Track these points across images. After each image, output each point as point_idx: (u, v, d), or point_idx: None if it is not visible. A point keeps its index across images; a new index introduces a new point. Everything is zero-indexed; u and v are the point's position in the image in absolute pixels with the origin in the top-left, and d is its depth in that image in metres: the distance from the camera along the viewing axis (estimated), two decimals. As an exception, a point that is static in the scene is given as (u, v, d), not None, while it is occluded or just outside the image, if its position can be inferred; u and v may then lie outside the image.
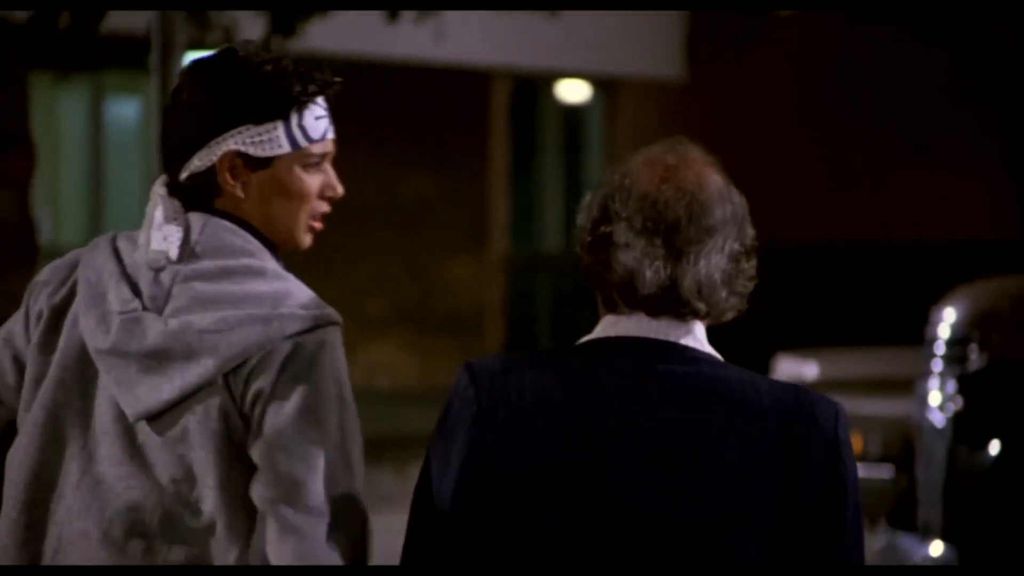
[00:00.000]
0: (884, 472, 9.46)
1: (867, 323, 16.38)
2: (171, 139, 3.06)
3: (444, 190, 18.00)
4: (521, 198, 18.80)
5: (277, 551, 2.92)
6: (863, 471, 9.01)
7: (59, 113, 18.02)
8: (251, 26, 13.90)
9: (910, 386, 7.88)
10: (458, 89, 17.64)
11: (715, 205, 2.78)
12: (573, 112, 19.40)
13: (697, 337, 2.80)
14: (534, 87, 18.81)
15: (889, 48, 18.82)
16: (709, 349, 2.82)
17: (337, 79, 3.07)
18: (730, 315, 2.82)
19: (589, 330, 2.88)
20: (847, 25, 16.16)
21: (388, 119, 18.05)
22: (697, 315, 2.79)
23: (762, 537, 2.75)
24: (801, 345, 12.13)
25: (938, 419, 7.46)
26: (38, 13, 12.69)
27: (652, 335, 2.79)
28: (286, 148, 3.02)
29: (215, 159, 3.02)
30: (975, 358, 7.54)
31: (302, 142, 3.03)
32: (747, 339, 18.08)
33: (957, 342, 7.59)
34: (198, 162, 3.03)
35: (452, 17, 14.11)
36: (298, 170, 3.03)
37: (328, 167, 3.08)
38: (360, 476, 2.98)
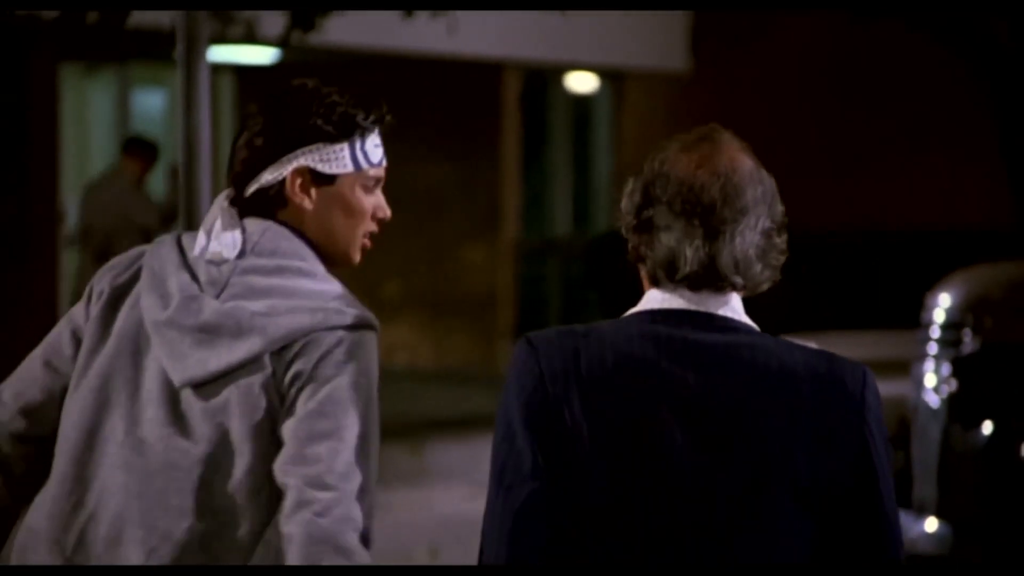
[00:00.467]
0: (881, 451, 9.48)
1: (866, 307, 16.38)
2: (243, 157, 3.25)
3: (457, 178, 18.02)
4: (532, 186, 18.80)
5: (290, 521, 3.03)
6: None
7: (88, 103, 18.02)
8: (272, 21, 13.91)
9: (907, 368, 7.88)
10: (471, 81, 17.64)
11: (747, 186, 2.92)
12: (581, 103, 19.40)
13: (734, 308, 2.93)
14: (544, 79, 18.80)
15: (887, 44, 18.81)
16: (746, 319, 2.95)
17: (389, 114, 3.34)
18: (765, 286, 2.96)
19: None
20: (847, 23, 16.15)
21: (404, 110, 17.95)
22: (735, 288, 2.92)
23: (796, 493, 2.82)
24: (803, 327, 12.15)
25: (933, 400, 7.48)
26: (66, 10, 12.71)
27: (694, 307, 2.91)
28: (350, 168, 3.24)
29: (287, 173, 3.21)
30: (969, 342, 7.55)
31: (363, 164, 3.26)
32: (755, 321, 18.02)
33: (951, 326, 7.59)
34: (268, 176, 3.23)
35: (465, 12, 14.10)
36: (358, 190, 3.25)
37: (379, 191, 3.30)
38: (375, 468, 3.09)
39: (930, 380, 7.45)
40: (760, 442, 2.83)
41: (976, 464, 7.20)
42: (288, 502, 3.03)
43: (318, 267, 3.21)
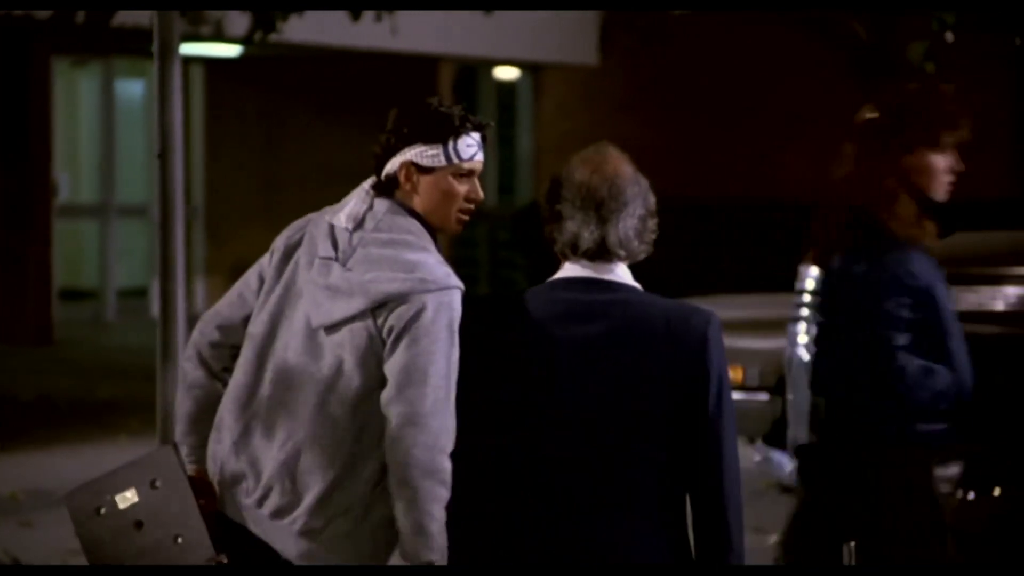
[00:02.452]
0: (761, 398, 9.51)
1: (753, 271, 16.42)
2: (378, 152, 3.77)
3: (400, 157, 17.92)
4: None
5: (391, 451, 3.58)
6: (744, 397, 9.05)
7: (77, 93, 17.86)
8: (238, 22, 13.82)
9: (784, 327, 7.90)
10: (410, 73, 17.57)
11: (627, 186, 3.46)
12: (506, 91, 19.37)
13: (618, 274, 3.45)
14: (474, 71, 18.76)
15: (771, 42, 18.85)
16: (630, 281, 3.46)
17: (490, 123, 3.80)
18: (642, 256, 3.48)
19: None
20: (736, 22, 16.21)
21: (353, 98, 17.97)
22: (620, 259, 3.45)
23: (654, 402, 3.34)
24: (698, 290, 12.16)
25: (804, 355, 7.50)
26: (59, 10, 12.60)
27: (588, 274, 3.44)
28: (443, 162, 3.69)
29: (398, 165, 3.72)
30: (835, 306, 7.57)
31: (455, 159, 3.69)
32: (652, 283, 18.01)
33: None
34: (389, 167, 3.74)
35: (405, 13, 14.05)
36: (451, 179, 3.70)
37: (475, 179, 3.75)
38: (452, 400, 3.56)
39: (802, 338, 7.48)
40: (626, 369, 3.34)
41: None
42: (389, 434, 3.57)
43: (423, 238, 3.66)
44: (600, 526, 3.29)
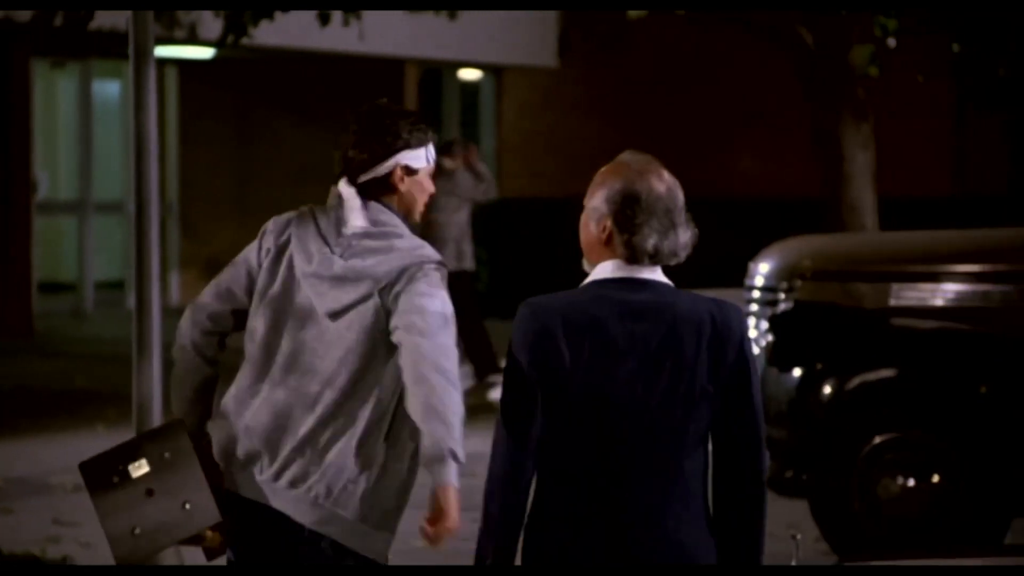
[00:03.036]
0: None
1: (705, 266, 16.48)
2: (358, 158, 4.07)
3: (367, 155, 17.91)
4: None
5: (405, 347, 3.91)
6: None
7: (56, 93, 17.79)
8: (210, 26, 13.79)
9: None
10: (377, 75, 17.57)
11: (681, 194, 3.67)
12: (470, 92, 19.38)
13: (659, 273, 3.60)
14: (439, 73, 18.76)
15: (722, 45, 18.90)
16: (666, 280, 3.61)
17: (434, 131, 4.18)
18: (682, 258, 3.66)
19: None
20: (690, 27, 16.26)
21: (321, 98, 17.95)
22: (679, 261, 3.63)
23: (701, 390, 3.52)
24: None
25: (754, 349, 7.54)
26: (39, 13, 12.55)
27: (641, 275, 3.59)
28: (423, 163, 4.12)
29: (393, 167, 4.07)
30: (783, 302, 7.61)
31: (430, 160, 4.13)
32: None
33: (769, 289, 7.65)
34: (381, 169, 4.06)
35: (372, 17, 14.04)
36: (425, 176, 4.13)
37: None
38: (453, 332, 3.94)
39: (752, 332, 7.52)
40: (680, 364, 3.52)
41: (789, 401, 7.29)
42: (403, 350, 3.92)
43: (405, 228, 4.05)
44: (663, 514, 3.52)
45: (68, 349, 14.69)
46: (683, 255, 3.61)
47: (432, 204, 14.39)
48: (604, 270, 3.58)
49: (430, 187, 4.12)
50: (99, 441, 10.52)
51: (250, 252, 4.10)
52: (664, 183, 3.63)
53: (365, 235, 4.01)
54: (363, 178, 4.05)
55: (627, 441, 3.51)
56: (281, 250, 4.05)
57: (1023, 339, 7.28)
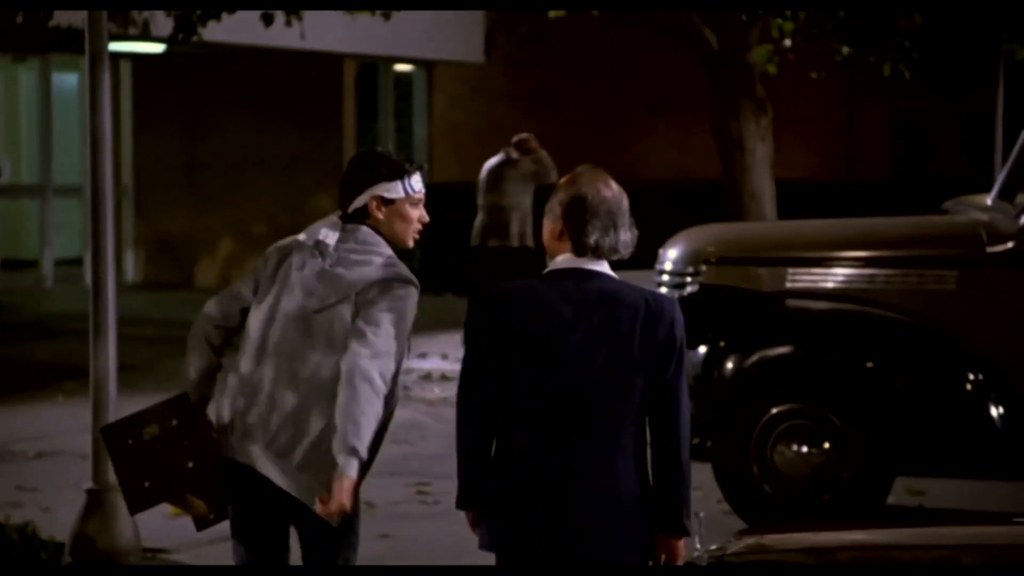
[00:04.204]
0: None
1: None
2: (344, 191, 4.41)
3: (308, 143, 17.86)
4: (365, 149, 18.63)
5: (344, 362, 4.24)
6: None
7: (17, 86, 17.58)
8: (162, 23, 13.65)
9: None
10: (318, 69, 17.48)
11: (625, 201, 3.98)
12: (403, 85, 19.31)
13: (606, 265, 3.91)
14: (375, 67, 18.67)
15: (635, 44, 18.94)
16: (610, 272, 3.91)
17: (424, 165, 4.51)
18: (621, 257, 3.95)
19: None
20: (605, 28, 16.27)
21: (266, 91, 17.85)
22: (621, 256, 3.93)
23: (638, 366, 3.85)
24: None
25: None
26: (1, 12, 12.38)
27: (589, 267, 3.90)
28: (401, 194, 4.39)
29: (368, 199, 4.38)
30: (689, 285, 7.64)
31: (409, 192, 4.39)
32: (532, 262, 18.07)
33: (677, 273, 7.67)
34: (359, 201, 4.39)
35: (312, 16, 13.96)
36: (407, 206, 4.40)
37: (421, 206, 4.45)
38: (402, 349, 4.31)
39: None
40: (618, 339, 3.83)
41: (695, 376, 7.30)
42: (346, 353, 4.26)
43: (387, 250, 4.38)
44: (598, 454, 3.83)
45: (29, 322, 14.53)
46: (625, 252, 3.91)
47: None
48: (557, 262, 3.92)
49: (417, 216, 4.41)
50: (58, 411, 10.45)
51: (258, 263, 4.51)
52: (610, 190, 3.93)
53: (351, 250, 4.37)
54: (349, 210, 4.40)
55: (574, 403, 3.83)
56: (282, 259, 4.44)
57: (904, 319, 7.34)
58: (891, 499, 7.50)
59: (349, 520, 4.32)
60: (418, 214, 4.41)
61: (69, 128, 16.88)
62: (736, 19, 13.02)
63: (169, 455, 4.41)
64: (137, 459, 4.44)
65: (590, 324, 3.84)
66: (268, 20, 12.23)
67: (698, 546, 3.53)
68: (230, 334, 4.49)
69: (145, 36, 14.20)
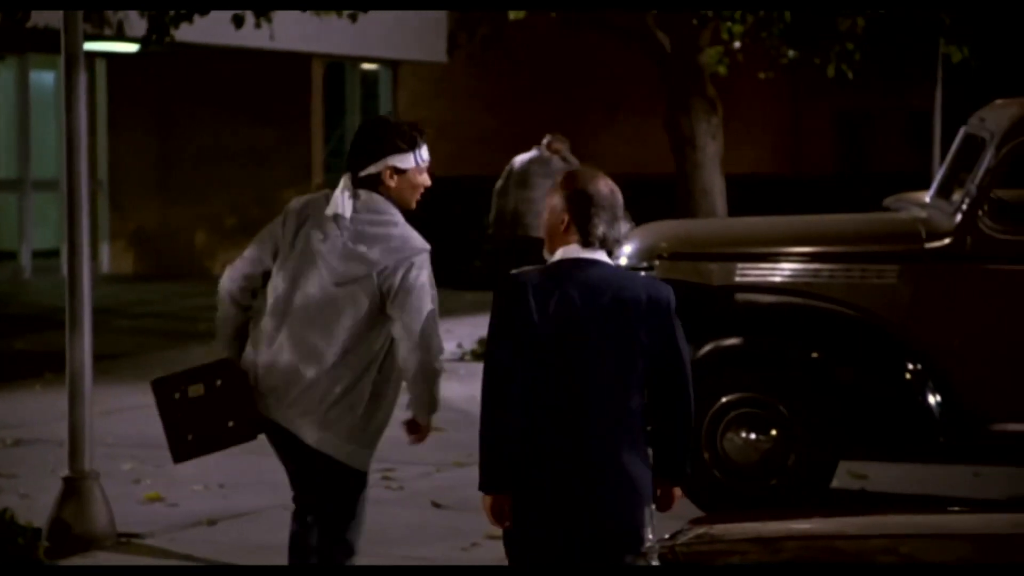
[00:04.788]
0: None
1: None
2: (357, 155, 4.55)
3: (280, 139, 17.81)
4: (333, 145, 18.66)
5: (405, 360, 4.47)
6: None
7: (-4, 83, 17.47)
8: (137, 24, 13.56)
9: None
10: (288, 68, 17.42)
11: (620, 202, 4.09)
12: (370, 83, 19.27)
13: (605, 255, 4.05)
14: (342, 66, 18.63)
15: (592, 45, 18.94)
16: (611, 262, 4.06)
17: (428, 129, 4.66)
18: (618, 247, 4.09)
19: None
20: (563, 29, 16.25)
21: (237, 89, 17.79)
22: (607, 248, 4.06)
23: (642, 347, 3.99)
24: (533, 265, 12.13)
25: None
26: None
27: (593, 257, 4.03)
28: (412, 164, 4.58)
29: (383, 168, 4.55)
30: (642, 279, 7.63)
31: (419, 161, 4.59)
32: (479, 256, 18.00)
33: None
34: (373, 168, 4.55)
35: (281, 17, 13.91)
36: (416, 174, 4.59)
37: (426, 173, 4.61)
38: (435, 307, 4.52)
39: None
40: (624, 324, 3.97)
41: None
42: (402, 347, 4.48)
43: (398, 217, 4.53)
44: (611, 445, 3.96)
45: (8, 312, 14.42)
46: (624, 242, 4.22)
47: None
48: (564, 252, 4.04)
49: (423, 182, 4.59)
50: (36, 399, 10.37)
51: (275, 226, 4.63)
52: (608, 187, 4.08)
53: (368, 222, 4.53)
54: (361, 174, 4.55)
55: (586, 379, 3.96)
56: (300, 225, 4.55)
57: (848, 312, 7.38)
58: (835, 483, 7.54)
59: (357, 475, 4.65)
60: (423, 179, 4.59)
61: (46, 124, 16.77)
62: (688, 22, 13.04)
63: (212, 413, 4.63)
64: (182, 414, 4.66)
65: (597, 308, 3.97)
66: (239, 22, 12.17)
67: (650, 537, 3.52)
68: (255, 292, 4.69)
69: (120, 36, 14.12)
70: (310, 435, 4.58)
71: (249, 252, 4.68)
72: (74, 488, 6.75)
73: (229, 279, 4.67)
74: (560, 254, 4.03)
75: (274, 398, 4.60)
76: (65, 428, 6.82)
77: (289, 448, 4.65)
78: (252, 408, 4.62)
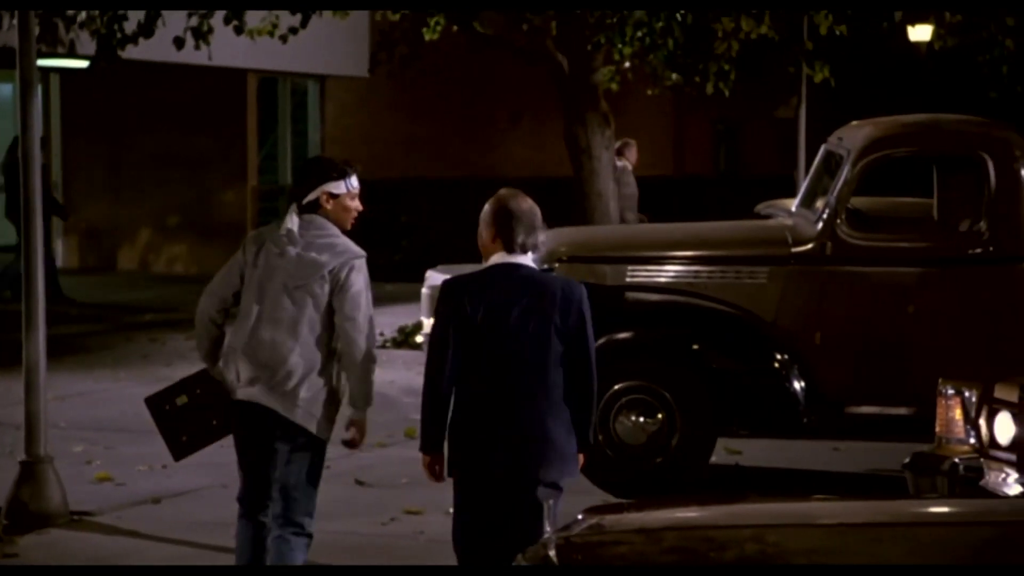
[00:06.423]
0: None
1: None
2: (299, 186, 4.92)
3: (218, 146, 17.63)
4: (267, 151, 18.50)
5: (344, 336, 4.79)
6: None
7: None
8: (87, 44, 13.34)
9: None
10: (225, 82, 17.24)
11: (537, 215, 4.42)
12: (299, 96, 19.12)
13: (528, 259, 4.36)
14: (274, 81, 18.47)
15: (499, 63, 18.94)
16: (533, 264, 4.38)
17: (358, 166, 5.00)
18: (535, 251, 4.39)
19: None
20: (472, 49, 16.22)
21: (180, 100, 17.57)
22: (535, 252, 4.38)
23: (557, 331, 4.29)
24: (448, 260, 12.16)
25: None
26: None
27: (518, 261, 4.36)
28: (344, 190, 4.91)
29: (319, 194, 4.89)
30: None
31: (349, 188, 4.92)
32: (410, 257, 17.92)
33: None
34: (312, 195, 4.89)
35: (219, 37, 13.77)
36: (348, 199, 4.93)
37: (357, 199, 4.94)
38: (370, 303, 4.86)
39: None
40: (541, 316, 4.29)
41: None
42: (342, 337, 4.81)
43: (337, 230, 4.90)
44: (536, 409, 4.27)
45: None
46: (541, 248, 4.41)
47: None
48: (494, 259, 4.37)
49: (355, 207, 4.91)
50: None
51: (238, 255, 4.97)
52: (527, 203, 4.40)
53: (315, 235, 4.87)
54: (304, 201, 4.90)
55: (514, 364, 4.26)
56: (259, 248, 4.92)
57: (725, 309, 7.44)
58: (714, 458, 7.61)
59: (322, 444, 4.92)
60: (355, 204, 4.93)
61: (4, 131, 16.45)
62: (584, 45, 13.08)
63: (198, 416, 5.04)
64: (174, 420, 5.07)
65: (522, 304, 4.28)
66: (179, 44, 12.02)
67: (548, 528, 3.51)
68: (227, 311, 4.99)
69: (72, 54, 13.90)
70: (292, 412, 4.85)
71: (220, 278, 5.00)
72: (30, 471, 6.64)
73: (207, 303, 4.99)
74: (491, 260, 4.37)
75: (258, 386, 4.86)
76: (21, 412, 6.70)
77: (271, 428, 4.88)
78: (229, 407, 4.94)
